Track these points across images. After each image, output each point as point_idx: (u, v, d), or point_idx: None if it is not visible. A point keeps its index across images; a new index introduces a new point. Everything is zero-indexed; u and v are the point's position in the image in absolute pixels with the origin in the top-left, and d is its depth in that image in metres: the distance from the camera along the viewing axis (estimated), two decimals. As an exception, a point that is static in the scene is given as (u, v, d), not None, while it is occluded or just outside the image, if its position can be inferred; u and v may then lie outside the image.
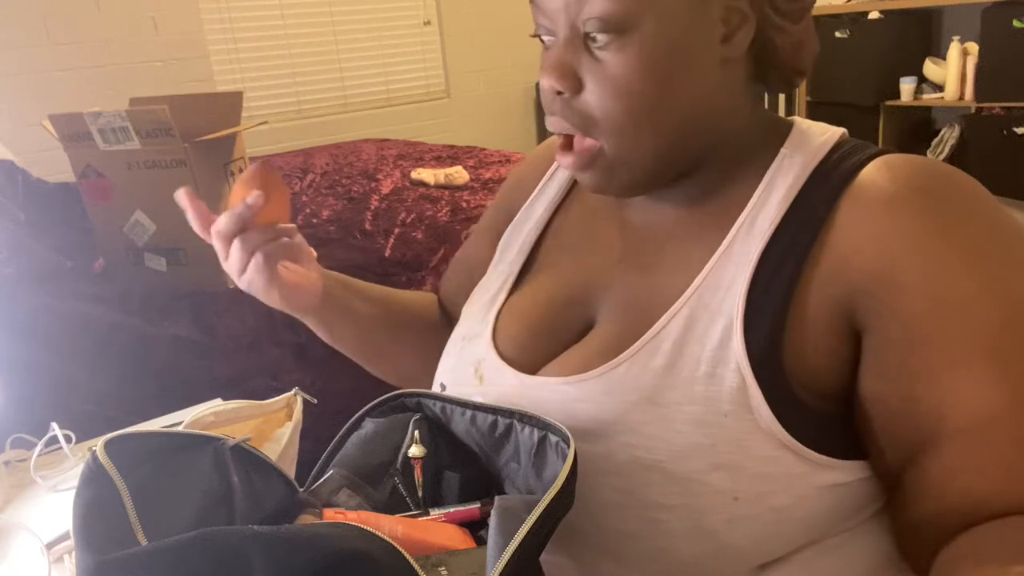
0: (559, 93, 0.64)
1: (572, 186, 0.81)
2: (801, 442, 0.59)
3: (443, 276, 0.98)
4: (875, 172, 0.61)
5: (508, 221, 0.84)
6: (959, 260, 0.57)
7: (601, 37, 0.61)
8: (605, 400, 0.63)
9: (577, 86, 0.64)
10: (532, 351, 0.72)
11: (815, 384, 0.61)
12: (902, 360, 0.58)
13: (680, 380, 0.61)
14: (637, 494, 0.61)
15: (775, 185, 0.65)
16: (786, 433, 0.59)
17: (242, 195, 0.72)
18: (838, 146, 0.66)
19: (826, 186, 0.63)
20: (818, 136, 0.67)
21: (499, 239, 0.84)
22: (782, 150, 0.66)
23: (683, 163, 0.67)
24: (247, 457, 0.63)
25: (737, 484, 0.59)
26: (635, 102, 0.62)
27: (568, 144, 0.67)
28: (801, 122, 0.70)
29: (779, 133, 0.68)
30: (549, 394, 0.67)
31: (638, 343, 0.64)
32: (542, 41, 0.67)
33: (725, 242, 0.65)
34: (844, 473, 0.61)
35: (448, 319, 0.93)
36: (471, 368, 0.74)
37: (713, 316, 0.62)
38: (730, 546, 0.60)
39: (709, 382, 0.60)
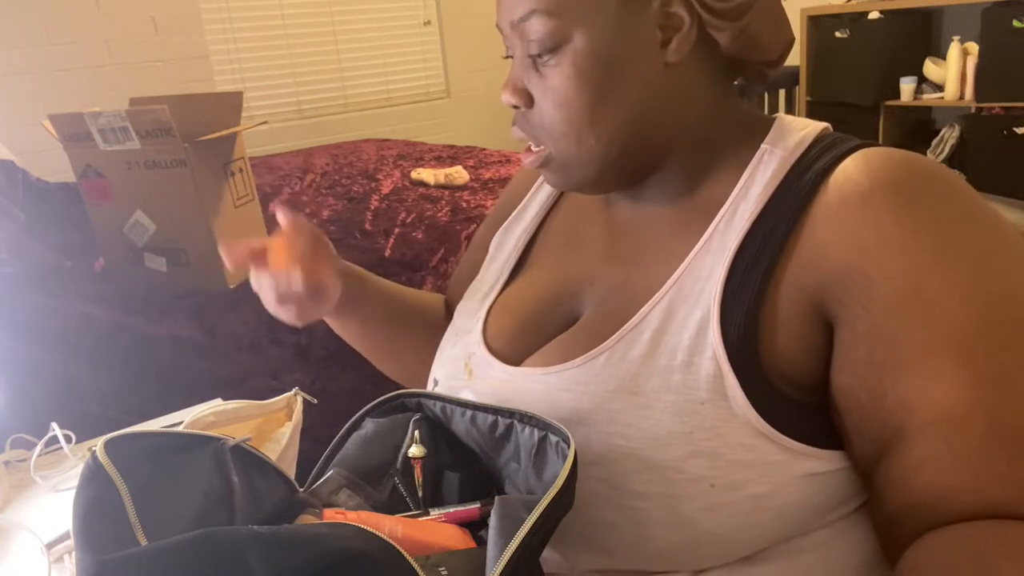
0: (515, 107, 0.70)
1: (561, 192, 0.84)
2: (779, 430, 0.60)
3: (449, 283, 0.99)
4: (852, 166, 0.62)
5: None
6: (931, 255, 0.57)
7: (544, 55, 0.66)
8: (585, 389, 0.64)
9: (529, 101, 0.69)
10: (519, 345, 0.73)
11: (790, 374, 0.61)
12: (870, 354, 0.58)
13: (658, 369, 0.62)
14: (615, 483, 0.62)
15: (755, 179, 0.66)
16: (762, 420, 0.59)
17: (282, 258, 0.75)
18: (819, 140, 0.66)
19: (805, 180, 0.63)
20: (799, 130, 0.67)
21: None
22: (763, 145, 0.67)
23: (640, 161, 0.69)
24: (247, 457, 0.63)
25: (714, 471, 0.59)
26: (572, 112, 0.66)
27: (528, 147, 0.72)
28: (783, 117, 0.70)
29: (760, 129, 0.69)
30: (532, 384, 0.68)
31: (618, 333, 0.65)
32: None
33: (705, 235, 0.66)
34: (823, 462, 0.62)
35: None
36: (461, 363, 0.76)
37: (691, 306, 0.63)
38: (708, 534, 0.60)
39: (686, 370, 0.61)
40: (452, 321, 0.84)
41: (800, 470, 0.61)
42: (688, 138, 0.69)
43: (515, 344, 0.74)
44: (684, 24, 0.64)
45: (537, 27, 0.65)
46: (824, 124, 0.68)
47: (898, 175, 0.60)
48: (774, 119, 0.70)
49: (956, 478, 0.55)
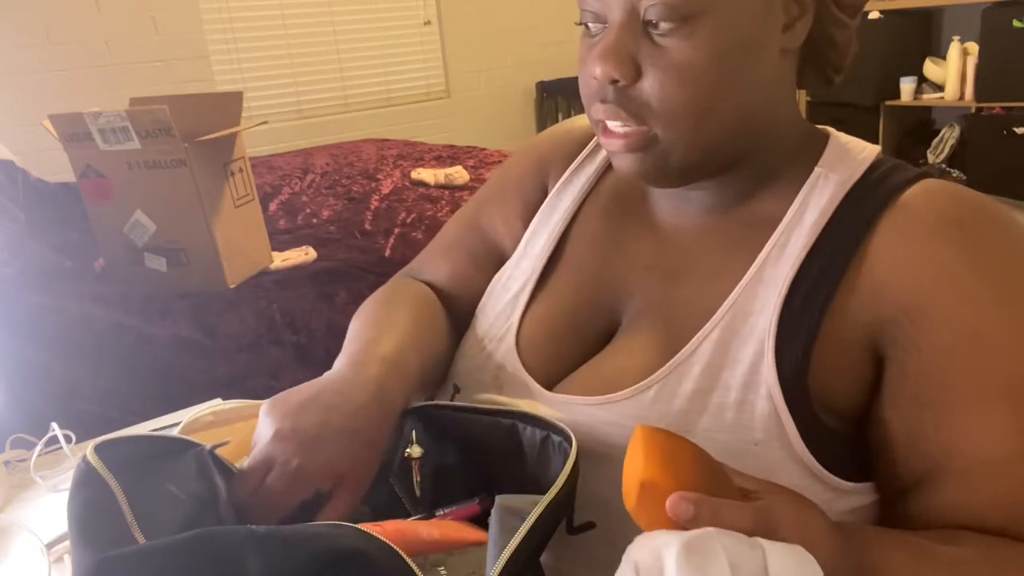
0: (614, 81, 0.60)
1: (599, 180, 0.78)
2: (828, 469, 0.59)
3: (445, 256, 0.87)
4: (914, 199, 0.60)
5: (541, 194, 0.80)
6: (990, 297, 0.56)
7: (664, 24, 0.58)
8: (632, 426, 0.61)
9: (636, 74, 0.60)
10: (555, 361, 0.70)
11: (836, 405, 0.60)
12: (917, 392, 0.57)
13: (711, 407, 0.60)
14: None
15: (809, 205, 0.63)
16: (815, 461, 0.58)
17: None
18: (875, 166, 0.64)
19: (862, 209, 0.61)
20: (856, 154, 0.65)
21: (532, 213, 0.80)
22: (817, 168, 0.65)
23: (731, 156, 0.64)
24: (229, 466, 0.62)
25: None
26: (700, 91, 0.59)
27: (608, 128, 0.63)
28: (837, 136, 0.68)
29: (815, 145, 0.67)
30: (576, 416, 0.64)
31: (667, 366, 0.62)
32: (587, 28, 0.63)
33: (756, 263, 0.63)
34: (865, 496, 0.61)
35: (454, 296, 0.84)
36: (489, 374, 0.72)
37: (744, 340, 0.61)
38: None
39: (740, 409, 0.59)
40: (476, 321, 0.77)
41: (845, 506, 0.60)
42: (771, 138, 0.65)
43: (551, 361, 0.70)
44: (808, 10, 0.61)
45: None
46: (877, 148, 0.66)
47: (962, 211, 0.59)
48: (827, 134, 0.68)
49: (984, 523, 0.56)
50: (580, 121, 0.82)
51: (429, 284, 0.86)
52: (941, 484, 0.57)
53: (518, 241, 0.80)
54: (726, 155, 0.64)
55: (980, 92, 3.80)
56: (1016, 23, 3.57)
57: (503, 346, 0.72)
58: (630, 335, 0.68)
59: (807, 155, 0.66)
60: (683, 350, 0.62)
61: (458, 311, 0.82)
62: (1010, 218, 0.60)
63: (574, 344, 0.70)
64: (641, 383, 0.62)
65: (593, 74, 0.61)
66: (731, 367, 0.60)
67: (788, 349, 0.59)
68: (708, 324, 0.62)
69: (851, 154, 0.65)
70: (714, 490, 0.46)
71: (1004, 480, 0.55)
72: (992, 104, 3.77)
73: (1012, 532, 0.56)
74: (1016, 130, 3.66)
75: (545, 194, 0.80)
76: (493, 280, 0.79)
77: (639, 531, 0.60)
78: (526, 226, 0.80)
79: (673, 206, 0.71)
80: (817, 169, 0.65)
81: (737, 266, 0.64)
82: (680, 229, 0.70)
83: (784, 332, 0.60)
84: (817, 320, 0.59)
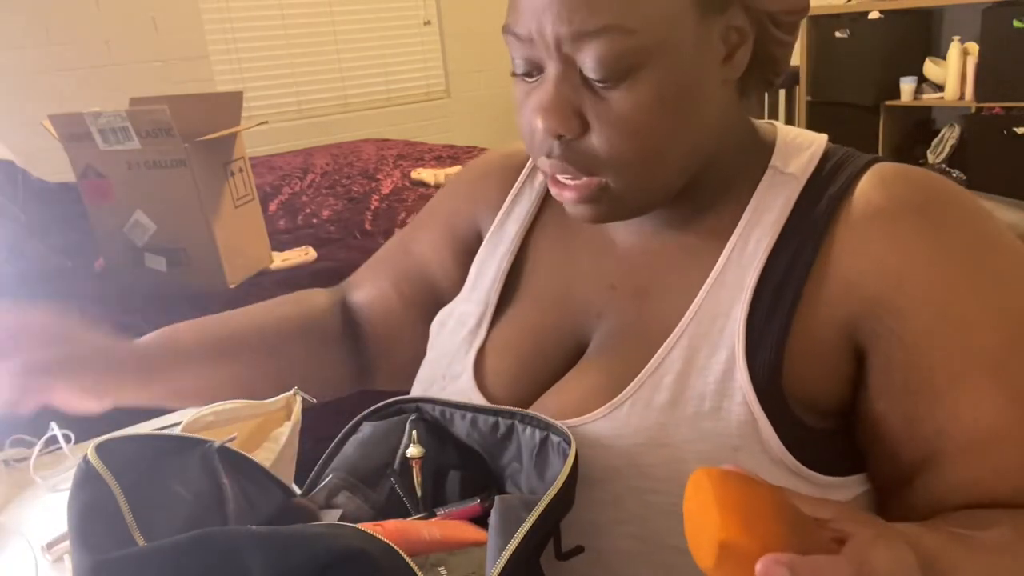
0: (559, 136, 0.59)
1: (543, 204, 0.77)
2: (809, 467, 0.59)
3: (371, 274, 0.89)
4: (870, 187, 0.60)
5: (471, 231, 0.81)
6: (960, 279, 0.57)
7: (611, 79, 0.57)
8: (612, 443, 0.61)
9: (582, 127, 0.58)
10: (522, 386, 0.69)
11: (814, 403, 0.60)
12: (904, 381, 0.58)
13: (686, 417, 0.60)
14: (649, 539, 0.60)
15: (765, 205, 0.63)
16: (795, 461, 0.59)
17: None
18: (826, 157, 0.64)
19: (820, 204, 0.61)
20: (804, 148, 0.65)
21: (461, 247, 0.81)
22: (770, 167, 0.65)
23: (682, 184, 0.64)
24: (237, 460, 0.62)
25: None
26: (648, 141, 0.58)
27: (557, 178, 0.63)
28: (784, 132, 0.68)
29: (764, 145, 0.67)
30: None
31: (638, 379, 0.62)
32: (524, 80, 0.61)
33: (717, 267, 0.63)
34: (847, 490, 0.61)
35: (356, 320, 0.87)
36: None
37: (713, 346, 0.60)
38: None
39: (716, 417, 0.59)
40: (430, 358, 0.77)
41: (834, 499, 0.59)
42: (720, 157, 0.65)
43: (517, 386, 0.69)
44: (748, 37, 0.60)
45: (611, 46, 0.55)
46: (824, 137, 0.66)
47: (921, 197, 0.59)
48: (774, 131, 0.68)
49: (994, 495, 0.56)
50: (512, 147, 0.82)
51: (355, 305, 0.88)
52: (942, 466, 0.57)
53: (447, 270, 0.81)
54: (679, 187, 0.64)
55: (980, 92, 3.80)
56: (1016, 23, 3.56)
57: (463, 381, 0.71)
58: (600, 354, 0.67)
59: (758, 158, 0.66)
60: (652, 361, 0.62)
61: (375, 335, 0.85)
62: (966, 197, 0.61)
63: (540, 370, 0.69)
64: (614, 400, 0.62)
65: (535, 128, 0.60)
66: (702, 375, 0.60)
67: (759, 352, 0.59)
68: (675, 332, 0.62)
69: (800, 149, 0.65)
70: (798, 539, 0.42)
71: (1003, 452, 0.56)
72: (992, 104, 3.77)
73: (1021, 501, 0.56)
74: (1016, 130, 3.66)
75: (476, 226, 0.81)
76: (442, 315, 0.79)
77: (631, 551, 0.60)
78: (454, 255, 0.81)
79: (629, 226, 0.70)
80: (770, 168, 0.65)
81: (700, 274, 0.64)
82: (640, 246, 0.69)
83: (754, 335, 0.60)
84: (787, 321, 0.59)
